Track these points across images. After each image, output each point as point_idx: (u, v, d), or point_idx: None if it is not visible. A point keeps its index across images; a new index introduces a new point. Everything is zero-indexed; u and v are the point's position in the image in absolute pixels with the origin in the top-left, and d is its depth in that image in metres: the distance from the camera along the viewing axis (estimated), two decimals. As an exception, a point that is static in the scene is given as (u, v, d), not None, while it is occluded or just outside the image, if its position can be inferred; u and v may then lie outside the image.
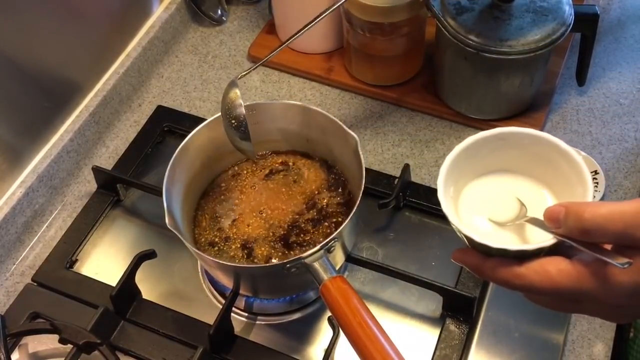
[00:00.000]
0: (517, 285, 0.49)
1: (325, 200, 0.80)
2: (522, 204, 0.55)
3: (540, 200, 0.57)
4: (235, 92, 0.77)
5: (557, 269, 0.47)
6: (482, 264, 0.51)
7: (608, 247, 0.47)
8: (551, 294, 0.48)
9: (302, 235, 0.78)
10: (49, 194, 0.92)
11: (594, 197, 0.87)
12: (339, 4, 0.82)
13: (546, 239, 0.49)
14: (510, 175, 0.58)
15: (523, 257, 0.49)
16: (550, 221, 0.48)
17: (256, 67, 0.80)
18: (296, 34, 0.81)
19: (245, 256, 0.77)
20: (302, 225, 0.78)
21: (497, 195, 0.57)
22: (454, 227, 0.53)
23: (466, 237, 0.52)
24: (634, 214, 0.44)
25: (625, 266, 0.44)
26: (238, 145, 0.77)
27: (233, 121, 0.76)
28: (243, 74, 0.80)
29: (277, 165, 0.84)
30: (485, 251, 0.51)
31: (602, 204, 0.46)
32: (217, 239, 0.79)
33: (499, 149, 0.57)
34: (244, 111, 0.77)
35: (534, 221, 0.52)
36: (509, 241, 0.54)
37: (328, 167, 0.83)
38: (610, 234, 0.45)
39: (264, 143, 0.84)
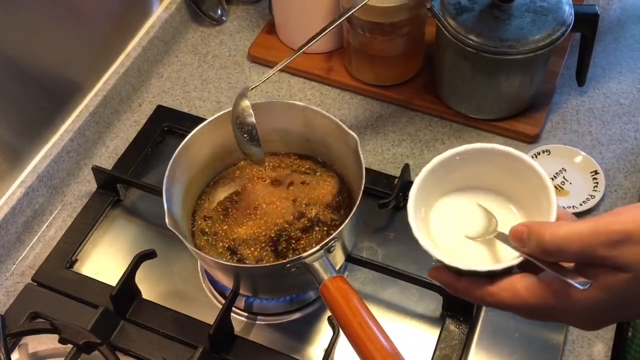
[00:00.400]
0: (489, 303, 0.52)
1: (314, 212, 0.79)
2: (493, 216, 0.56)
3: (509, 215, 0.58)
4: (246, 103, 0.78)
5: (524, 286, 0.50)
6: (456, 283, 0.53)
7: (571, 264, 0.49)
8: (521, 310, 0.51)
9: (293, 242, 0.78)
10: (49, 194, 0.92)
11: (594, 197, 0.87)
12: (353, 10, 0.80)
13: (514, 257, 0.51)
14: (479, 191, 0.59)
15: (493, 275, 0.52)
16: (514, 240, 0.51)
17: (268, 77, 0.80)
18: (307, 42, 0.80)
19: (230, 255, 0.77)
20: (292, 233, 0.78)
21: (467, 211, 0.59)
22: (425, 250, 0.54)
23: (438, 260, 0.53)
24: (590, 234, 0.46)
25: (586, 287, 0.46)
26: (249, 153, 0.78)
27: (245, 135, 0.77)
28: (255, 85, 0.80)
29: (285, 169, 0.84)
30: (457, 272, 0.53)
31: (561, 225, 0.48)
32: (207, 230, 0.79)
33: (467, 166, 0.58)
34: (255, 121, 0.77)
35: (502, 237, 0.54)
36: (479, 259, 0.55)
37: (340, 181, 0.83)
38: (570, 254, 0.47)
39: (264, 143, 0.84)
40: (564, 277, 0.47)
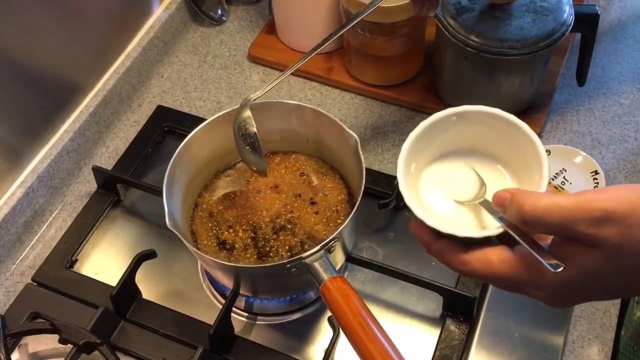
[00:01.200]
0: (461, 270, 0.52)
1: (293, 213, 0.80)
2: (483, 184, 0.56)
3: (502, 181, 0.58)
4: (248, 114, 0.78)
5: (498, 258, 0.50)
6: (432, 243, 0.53)
7: (549, 238, 0.49)
8: (492, 280, 0.51)
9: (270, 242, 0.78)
10: (49, 194, 0.92)
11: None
12: (365, 14, 0.80)
13: (495, 226, 0.51)
14: (474, 154, 0.59)
15: (471, 242, 0.52)
16: (497, 205, 0.51)
17: (271, 87, 0.79)
18: (316, 48, 0.79)
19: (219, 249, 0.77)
20: (267, 236, 0.79)
21: (460, 175, 0.58)
22: (408, 205, 0.54)
23: (418, 218, 0.53)
24: (572, 209, 0.46)
25: (558, 270, 0.46)
26: (250, 163, 0.78)
27: (248, 147, 0.77)
28: (258, 95, 0.79)
29: (284, 171, 0.84)
30: (436, 233, 0.53)
31: (543, 196, 0.47)
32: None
33: (464, 128, 0.58)
34: (256, 130, 0.77)
35: (487, 205, 0.54)
36: (462, 224, 0.55)
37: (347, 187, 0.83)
38: (549, 226, 0.47)
39: (264, 143, 0.84)
40: (538, 256, 0.47)
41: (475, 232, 0.52)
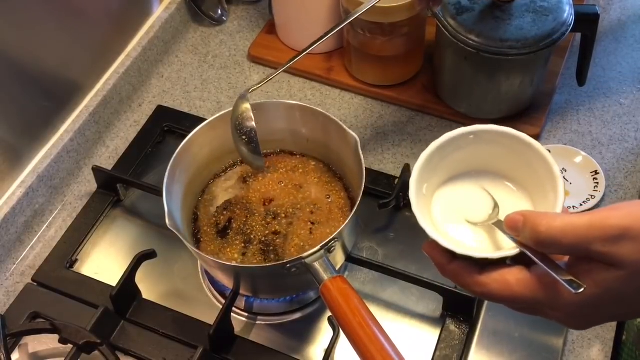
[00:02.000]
0: (477, 292, 0.51)
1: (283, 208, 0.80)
2: (496, 204, 0.55)
3: (516, 201, 0.57)
4: (246, 106, 0.77)
5: (516, 279, 0.49)
6: (447, 265, 0.52)
7: (565, 258, 0.48)
8: (509, 302, 0.50)
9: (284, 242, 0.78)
10: (49, 194, 0.92)
11: (594, 197, 0.87)
12: (362, 11, 0.79)
13: (511, 247, 0.50)
14: (487, 175, 0.58)
15: (486, 263, 0.51)
16: (510, 229, 0.50)
17: (268, 80, 0.78)
18: (312, 44, 0.79)
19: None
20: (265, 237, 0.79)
21: (473, 195, 0.58)
22: (421, 227, 0.53)
23: (433, 239, 0.52)
24: (587, 228, 0.45)
25: (579, 291, 0.45)
26: (248, 159, 0.78)
27: (244, 137, 0.77)
28: (255, 87, 0.79)
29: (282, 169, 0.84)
30: (451, 254, 0.52)
31: (557, 217, 0.47)
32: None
33: (477, 147, 0.57)
34: (255, 125, 0.77)
35: (500, 225, 0.53)
36: (476, 245, 0.55)
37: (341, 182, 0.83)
38: (564, 246, 0.46)
39: (264, 143, 0.84)
40: (556, 275, 0.46)
41: (491, 253, 0.51)
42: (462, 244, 0.53)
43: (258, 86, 0.79)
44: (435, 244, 0.53)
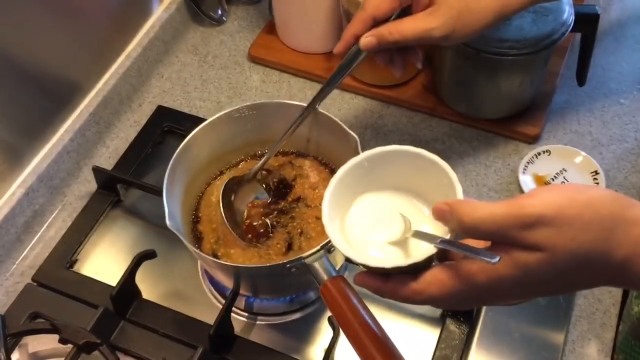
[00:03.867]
0: (418, 301, 0.53)
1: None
2: (406, 218, 0.57)
3: (418, 211, 0.59)
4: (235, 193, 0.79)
5: (448, 275, 0.52)
6: (383, 285, 0.55)
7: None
8: (450, 299, 0.53)
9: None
10: (49, 194, 0.92)
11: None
12: (347, 73, 0.80)
13: (431, 249, 0.52)
14: (393, 191, 0.61)
15: (417, 269, 0.53)
16: (438, 218, 0.52)
17: (264, 161, 0.80)
18: (285, 133, 0.79)
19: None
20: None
21: (382, 214, 0.60)
22: (347, 257, 0.55)
23: (363, 265, 0.54)
24: (503, 217, 0.49)
25: (495, 260, 0.48)
26: (234, 234, 0.78)
27: (235, 226, 0.78)
28: (252, 172, 0.80)
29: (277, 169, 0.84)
30: (383, 272, 0.54)
31: (479, 206, 0.50)
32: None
33: (378, 169, 0.59)
34: (244, 209, 0.79)
35: (418, 234, 0.55)
36: (399, 257, 0.56)
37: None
38: (485, 233, 0.50)
39: (264, 143, 0.85)
40: (472, 254, 0.49)
41: (417, 257, 0.53)
42: (386, 260, 0.54)
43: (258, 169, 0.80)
44: (363, 273, 0.55)
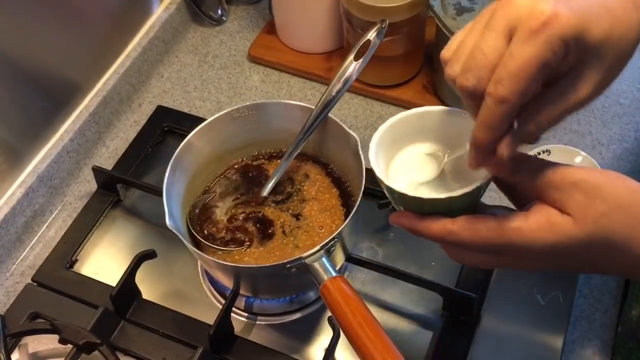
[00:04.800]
0: (449, 241, 0.54)
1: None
2: (439, 154, 0.58)
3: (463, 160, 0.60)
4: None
5: (485, 225, 0.52)
6: (417, 223, 0.55)
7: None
8: (478, 249, 0.53)
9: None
10: (49, 194, 0.92)
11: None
12: (344, 90, 0.79)
13: (469, 186, 0.53)
14: (432, 143, 0.61)
15: (451, 206, 0.53)
16: (476, 163, 0.52)
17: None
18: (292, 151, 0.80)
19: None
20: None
21: (417, 161, 0.60)
22: (385, 187, 0.56)
23: (399, 194, 0.54)
24: (552, 170, 0.50)
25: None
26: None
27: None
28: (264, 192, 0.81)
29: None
30: (419, 206, 0.55)
31: (533, 160, 0.52)
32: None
33: (420, 125, 0.61)
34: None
35: (455, 162, 0.56)
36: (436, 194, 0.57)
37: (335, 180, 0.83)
38: (531, 181, 0.51)
39: (264, 143, 0.85)
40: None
41: (455, 192, 0.53)
42: (423, 191, 0.55)
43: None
44: (399, 212, 0.56)
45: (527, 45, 0.45)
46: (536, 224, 0.50)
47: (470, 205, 0.55)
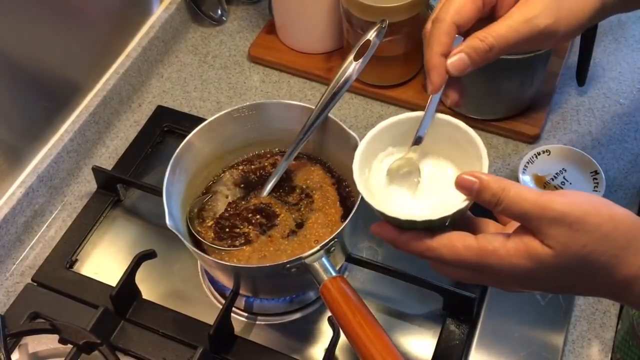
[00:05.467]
0: (428, 257, 0.55)
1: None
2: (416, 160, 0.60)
3: (444, 172, 0.61)
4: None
5: (463, 245, 0.53)
6: (397, 237, 0.56)
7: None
8: (456, 265, 0.54)
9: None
10: (49, 194, 0.92)
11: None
12: (344, 90, 0.78)
13: (448, 210, 0.54)
14: (420, 152, 0.62)
15: (430, 228, 0.54)
16: (462, 187, 0.53)
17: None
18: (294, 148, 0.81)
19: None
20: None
21: (407, 170, 0.61)
22: (368, 204, 0.56)
23: (380, 212, 0.56)
24: (532, 203, 0.50)
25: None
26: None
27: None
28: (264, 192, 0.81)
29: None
30: (397, 224, 0.56)
31: (512, 187, 0.51)
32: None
33: (410, 132, 0.61)
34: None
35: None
36: (417, 212, 0.58)
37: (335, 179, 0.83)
38: (511, 214, 0.52)
39: (264, 143, 0.85)
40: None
41: (433, 215, 0.54)
42: (402, 213, 0.55)
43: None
44: (382, 223, 0.57)
45: None
46: (514, 250, 0.51)
47: (450, 223, 0.56)
